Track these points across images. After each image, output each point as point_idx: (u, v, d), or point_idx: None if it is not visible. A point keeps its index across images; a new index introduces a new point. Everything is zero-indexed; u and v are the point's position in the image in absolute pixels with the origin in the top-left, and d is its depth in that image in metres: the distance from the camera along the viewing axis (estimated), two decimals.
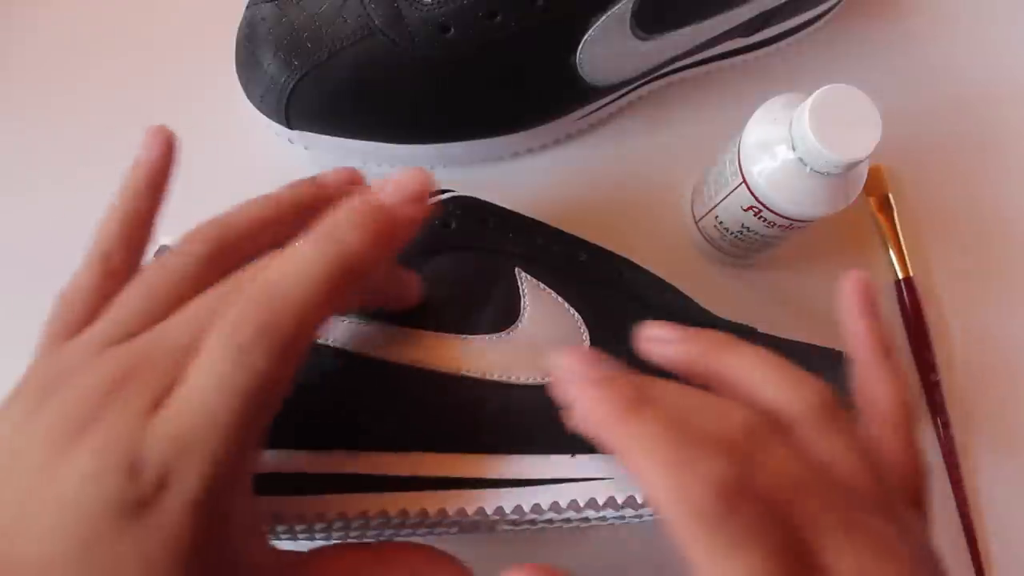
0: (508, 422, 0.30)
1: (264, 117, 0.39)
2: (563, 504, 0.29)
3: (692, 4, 0.38)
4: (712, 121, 0.44)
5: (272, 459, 0.29)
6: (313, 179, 0.28)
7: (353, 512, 0.29)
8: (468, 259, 0.32)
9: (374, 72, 0.37)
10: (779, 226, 0.35)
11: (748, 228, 0.37)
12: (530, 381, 0.30)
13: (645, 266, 0.35)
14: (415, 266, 0.32)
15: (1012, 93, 0.45)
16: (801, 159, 0.32)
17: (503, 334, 0.31)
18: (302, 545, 0.36)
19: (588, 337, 0.31)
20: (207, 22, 0.43)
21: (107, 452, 0.20)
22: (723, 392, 0.25)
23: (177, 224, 0.37)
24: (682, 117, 0.44)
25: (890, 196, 0.43)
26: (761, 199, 0.34)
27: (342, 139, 0.39)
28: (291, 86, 0.37)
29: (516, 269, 0.32)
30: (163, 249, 0.34)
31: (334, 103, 0.38)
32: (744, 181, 0.34)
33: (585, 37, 0.37)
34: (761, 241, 0.37)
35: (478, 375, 0.30)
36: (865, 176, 0.34)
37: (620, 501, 0.29)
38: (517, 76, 0.38)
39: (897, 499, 0.23)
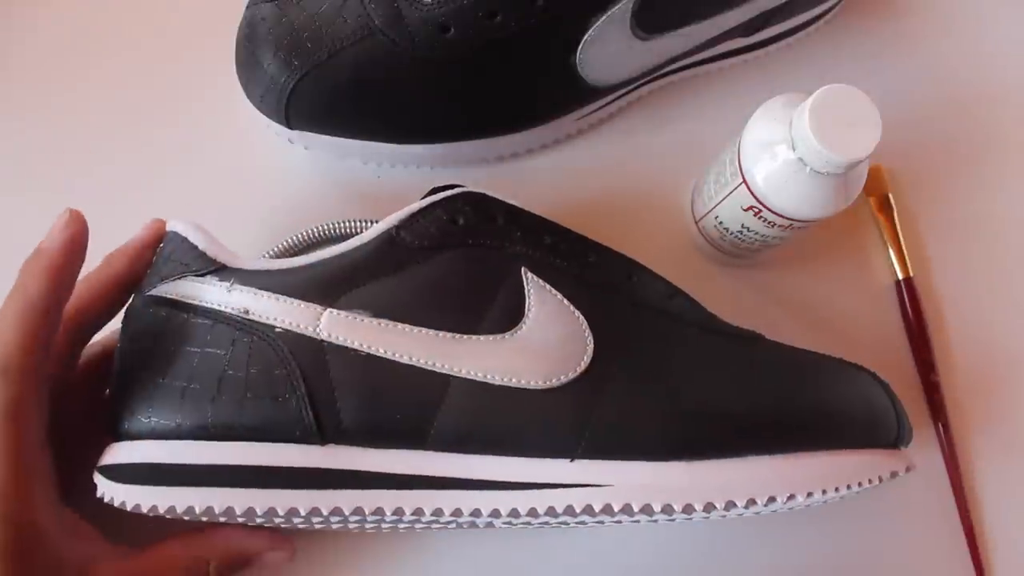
0: (508, 424, 0.30)
1: (264, 117, 0.39)
2: (559, 509, 0.29)
3: (692, 4, 0.38)
4: (712, 121, 0.44)
5: (268, 454, 0.29)
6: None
7: (349, 508, 0.29)
8: (474, 257, 0.32)
9: (374, 72, 0.37)
10: (779, 226, 0.35)
11: (748, 228, 0.36)
12: (532, 384, 0.30)
13: (647, 267, 0.35)
14: (422, 262, 0.32)
15: (1012, 93, 0.45)
16: (801, 159, 0.32)
17: (506, 335, 0.31)
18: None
19: (592, 340, 0.31)
20: (207, 22, 0.44)
21: None
22: None
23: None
24: (682, 117, 0.44)
25: (890, 196, 0.43)
26: (761, 199, 0.34)
27: (342, 139, 0.39)
28: (291, 86, 0.37)
29: (523, 269, 0.32)
30: (173, 235, 0.34)
31: (334, 103, 0.38)
32: (744, 181, 0.34)
33: (585, 37, 0.37)
34: (761, 241, 0.37)
35: (480, 376, 0.30)
36: (865, 176, 0.34)
37: (617, 508, 0.29)
38: (517, 76, 0.38)
39: None
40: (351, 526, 0.32)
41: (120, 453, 0.30)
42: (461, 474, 0.30)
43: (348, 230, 0.38)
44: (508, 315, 0.31)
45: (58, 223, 0.31)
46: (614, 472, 0.29)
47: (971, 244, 0.43)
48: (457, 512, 0.30)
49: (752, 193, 0.34)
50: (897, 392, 0.34)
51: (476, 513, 0.30)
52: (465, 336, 0.30)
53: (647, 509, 0.29)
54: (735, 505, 0.29)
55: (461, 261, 0.32)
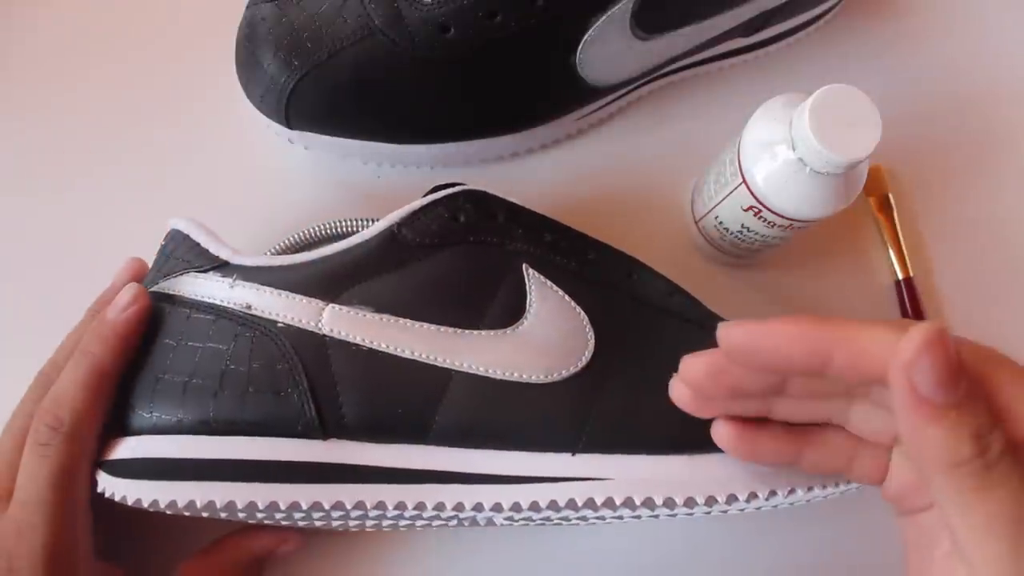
0: (509, 419, 0.30)
1: (264, 117, 0.39)
2: (561, 503, 0.29)
3: (692, 4, 0.38)
4: (712, 121, 0.44)
5: (270, 448, 0.29)
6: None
7: (351, 502, 0.29)
8: (475, 253, 0.32)
9: (374, 72, 0.37)
10: (779, 226, 0.35)
11: (748, 228, 0.37)
12: (533, 379, 0.30)
13: (647, 265, 0.35)
14: (423, 259, 0.32)
15: (1012, 93, 0.45)
16: (801, 159, 0.32)
17: (508, 330, 0.31)
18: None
19: (593, 336, 0.31)
20: (207, 22, 0.44)
21: None
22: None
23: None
24: (682, 117, 0.44)
25: (890, 196, 0.43)
26: (761, 199, 0.34)
27: (342, 139, 0.40)
28: (291, 86, 0.37)
29: (524, 266, 0.32)
30: (175, 233, 0.34)
31: (334, 103, 0.38)
32: (744, 181, 0.34)
33: (585, 37, 0.37)
34: (761, 241, 0.37)
35: (481, 371, 0.30)
36: (865, 176, 0.34)
37: (619, 502, 0.29)
38: (517, 76, 0.38)
39: None
40: (352, 521, 0.32)
41: (122, 448, 0.30)
42: (462, 468, 0.30)
43: (348, 230, 0.38)
44: (509, 311, 0.31)
45: (125, 295, 0.32)
46: (615, 466, 0.29)
47: (971, 244, 0.43)
48: (459, 506, 0.30)
49: (752, 193, 0.34)
50: None
51: (478, 507, 0.30)
52: (467, 331, 0.30)
53: (649, 503, 0.29)
54: (736, 499, 0.29)
55: (462, 258, 0.32)
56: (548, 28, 0.36)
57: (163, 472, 0.29)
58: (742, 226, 0.37)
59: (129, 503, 0.29)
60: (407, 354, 0.30)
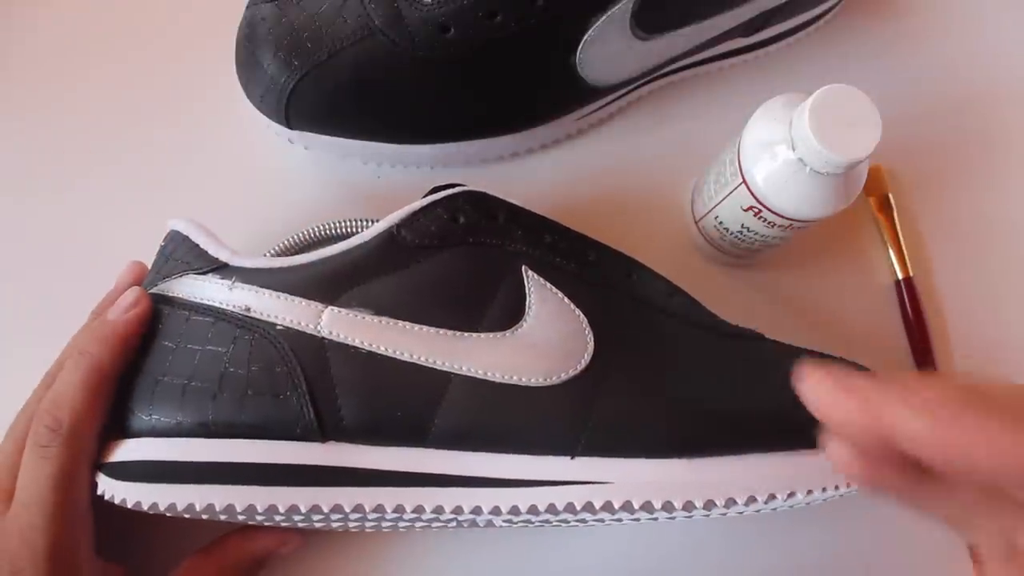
0: (508, 422, 0.30)
1: (264, 117, 0.39)
2: (559, 507, 0.29)
3: (692, 4, 0.38)
4: (712, 121, 0.44)
5: (268, 451, 0.29)
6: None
7: (350, 505, 0.29)
8: (475, 255, 0.32)
9: (374, 72, 0.37)
10: (779, 226, 0.35)
11: (748, 228, 0.37)
12: (532, 382, 0.30)
13: (647, 266, 0.35)
14: (423, 260, 0.32)
15: (1012, 93, 0.45)
16: (801, 159, 0.32)
17: (507, 333, 0.31)
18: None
19: (593, 339, 0.31)
20: (207, 22, 0.44)
21: None
22: None
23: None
24: (682, 117, 0.44)
25: (890, 196, 0.43)
26: (761, 199, 0.34)
27: (342, 139, 0.39)
28: (291, 86, 0.37)
29: (523, 267, 0.32)
30: (174, 234, 0.34)
31: (334, 103, 0.38)
32: (744, 181, 0.34)
33: (585, 37, 0.37)
34: (761, 241, 0.37)
35: (480, 374, 0.30)
36: (865, 176, 0.34)
37: (617, 505, 0.29)
38: (517, 76, 0.38)
39: None
40: (351, 524, 0.32)
41: (121, 451, 0.30)
42: (461, 471, 0.30)
43: (348, 230, 0.38)
44: (509, 313, 0.31)
45: (127, 298, 0.32)
46: (614, 469, 0.29)
47: (971, 244, 0.43)
48: (457, 510, 0.30)
49: (752, 193, 0.34)
50: None
51: (476, 511, 0.30)
52: (466, 334, 0.30)
53: (647, 506, 0.29)
54: (735, 502, 0.29)
55: (462, 259, 0.32)
56: (548, 28, 0.36)
57: (162, 475, 0.29)
58: (742, 226, 0.37)
59: (129, 506, 0.29)
60: (406, 357, 0.30)
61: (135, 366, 0.31)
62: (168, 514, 0.29)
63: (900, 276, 0.42)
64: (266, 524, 0.31)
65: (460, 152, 0.41)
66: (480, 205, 0.33)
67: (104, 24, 0.45)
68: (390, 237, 0.32)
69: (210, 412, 0.29)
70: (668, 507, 0.29)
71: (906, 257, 0.42)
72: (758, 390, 0.31)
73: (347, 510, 0.29)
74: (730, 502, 0.29)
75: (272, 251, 0.38)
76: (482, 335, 0.30)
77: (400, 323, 0.30)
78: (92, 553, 0.31)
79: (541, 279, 0.32)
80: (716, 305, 0.35)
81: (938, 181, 0.44)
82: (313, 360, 0.30)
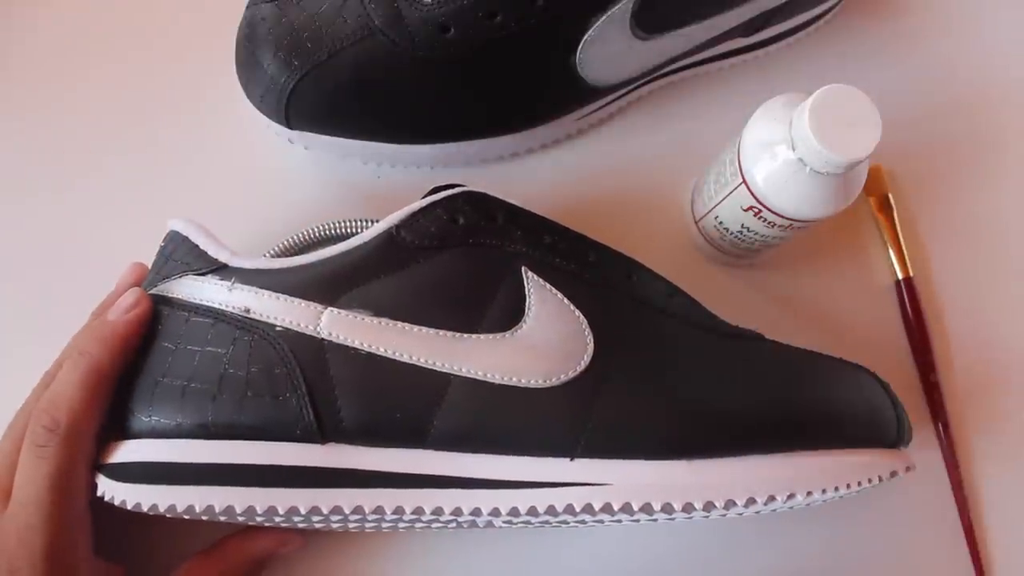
0: (508, 423, 0.30)
1: (264, 117, 0.39)
2: (559, 508, 0.29)
3: (692, 4, 0.38)
4: (712, 121, 0.44)
5: (268, 453, 0.29)
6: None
7: (349, 507, 0.29)
8: (474, 256, 0.32)
9: (374, 72, 0.37)
10: (779, 226, 0.35)
11: (748, 228, 0.36)
12: (532, 383, 0.30)
13: (647, 266, 0.35)
14: (422, 261, 0.32)
15: (1012, 93, 0.45)
16: (801, 159, 0.32)
17: (507, 334, 0.31)
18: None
19: (592, 340, 0.31)
20: (207, 22, 0.44)
21: None
22: None
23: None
24: (682, 117, 0.44)
25: (890, 196, 0.43)
26: (761, 199, 0.34)
27: (342, 139, 0.39)
28: (291, 86, 0.37)
29: (523, 268, 0.32)
30: (174, 235, 0.34)
31: (334, 103, 0.38)
32: (744, 181, 0.34)
33: (585, 37, 0.37)
34: (761, 241, 0.37)
35: (480, 375, 0.30)
36: (865, 176, 0.34)
37: (616, 507, 0.29)
38: (517, 76, 0.38)
39: None
40: (351, 525, 0.32)
41: (121, 452, 0.30)
42: (461, 473, 0.30)
43: (348, 230, 0.38)
44: (508, 314, 0.31)
45: (127, 299, 0.32)
46: (614, 471, 0.29)
47: (971, 244, 0.43)
48: (457, 511, 0.30)
49: (752, 193, 0.34)
50: (897, 392, 0.34)
51: (476, 512, 0.30)
52: (465, 335, 0.30)
53: (647, 508, 0.29)
54: (735, 504, 0.29)
55: (461, 260, 0.32)
56: (548, 28, 0.36)
57: (162, 476, 0.29)
58: (742, 226, 0.37)
59: (129, 507, 0.29)
60: (405, 358, 0.30)
61: (135, 367, 0.31)
62: (168, 515, 0.29)
63: (900, 276, 0.42)
64: (266, 525, 0.31)
65: (460, 152, 0.41)
66: (480, 206, 0.33)
67: (104, 24, 0.45)
68: (389, 238, 0.32)
69: (210, 413, 0.29)
70: (667, 509, 0.29)
71: (906, 257, 0.42)
72: (758, 391, 0.31)
73: (347, 511, 0.29)
74: (730, 504, 0.29)
75: (272, 251, 0.38)
76: (482, 336, 0.30)
77: (399, 324, 0.30)
78: (90, 553, 0.31)
79: (541, 280, 0.32)
80: (716, 305, 0.35)
81: (938, 181, 0.44)
82: (313, 361, 0.30)
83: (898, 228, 0.42)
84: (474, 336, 0.30)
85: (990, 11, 0.47)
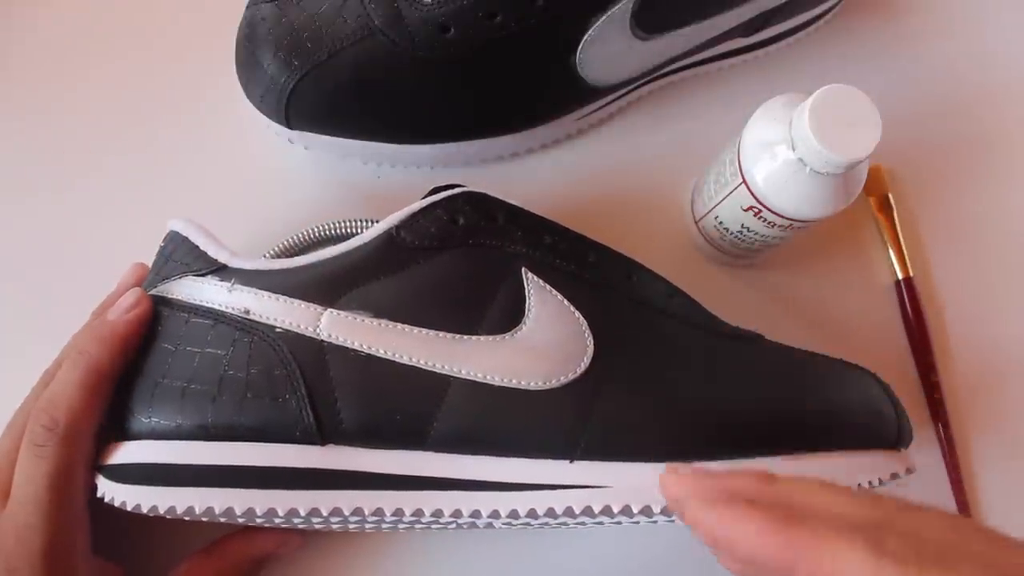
0: (508, 425, 0.30)
1: (264, 117, 0.39)
2: (559, 510, 0.29)
3: (692, 4, 0.38)
4: (712, 121, 0.44)
5: (268, 454, 0.29)
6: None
7: (349, 509, 0.29)
8: (474, 257, 0.32)
9: (374, 72, 0.37)
10: (779, 226, 0.35)
11: (748, 228, 0.36)
12: (532, 385, 0.30)
13: (647, 266, 0.35)
14: (422, 262, 0.32)
15: (1012, 93, 0.45)
16: (801, 159, 0.32)
17: (507, 335, 0.31)
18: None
19: (592, 341, 0.31)
20: (207, 22, 0.44)
21: None
22: None
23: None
24: (682, 117, 0.44)
25: (890, 196, 0.43)
26: (761, 199, 0.34)
27: (342, 139, 0.39)
28: (291, 86, 0.37)
29: (523, 269, 0.32)
30: (173, 235, 0.34)
31: (334, 103, 0.38)
32: (744, 181, 0.34)
33: (585, 37, 0.37)
34: (761, 241, 0.37)
35: (480, 377, 0.30)
36: (865, 176, 0.34)
37: (616, 509, 0.29)
38: (517, 76, 0.38)
39: None
40: (351, 526, 0.32)
41: (121, 453, 0.30)
42: (461, 475, 0.30)
43: (348, 230, 0.38)
44: (508, 315, 0.31)
45: (128, 299, 0.32)
46: (614, 473, 0.29)
47: (971, 244, 0.43)
48: (457, 513, 0.30)
49: (752, 193, 0.34)
50: (897, 392, 0.34)
51: (476, 514, 0.30)
52: (465, 336, 0.30)
53: (646, 510, 0.29)
54: None
55: (461, 261, 0.32)
56: (548, 28, 0.36)
57: (162, 478, 0.29)
58: (742, 226, 0.37)
59: (128, 508, 0.29)
60: (405, 360, 0.30)
61: (135, 368, 0.31)
62: (168, 516, 0.29)
63: (900, 276, 0.42)
64: (265, 526, 0.31)
65: (460, 152, 0.41)
66: (480, 206, 0.33)
67: (104, 24, 0.45)
68: (389, 239, 0.32)
69: (209, 415, 0.29)
70: (667, 511, 0.29)
71: (906, 257, 0.42)
72: (758, 392, 0.31)
73: (346, 513, 0.29)
74: None
75: (272, 251, 0.38)
76: (481, 338, 0.30)
77: (399, 325, 0.30)
78: (89, 552, 0.31)
79: (541, 281, 0.32)
80: (716, 305, 0.35)
81: (938, 181, 0.44)
82: (312, 363, 0.30)
83: (898, 228, 0.42)
84: (474, 337, 0.30)
85: (990, 12, 0.47)
